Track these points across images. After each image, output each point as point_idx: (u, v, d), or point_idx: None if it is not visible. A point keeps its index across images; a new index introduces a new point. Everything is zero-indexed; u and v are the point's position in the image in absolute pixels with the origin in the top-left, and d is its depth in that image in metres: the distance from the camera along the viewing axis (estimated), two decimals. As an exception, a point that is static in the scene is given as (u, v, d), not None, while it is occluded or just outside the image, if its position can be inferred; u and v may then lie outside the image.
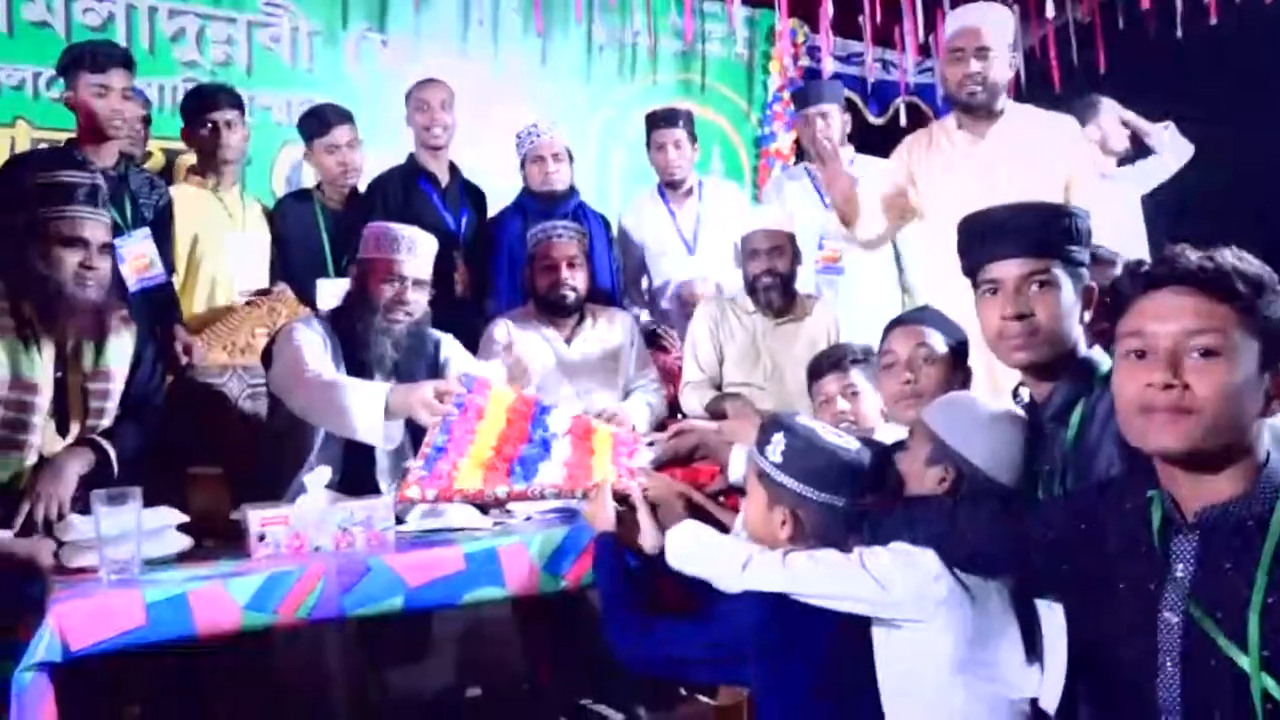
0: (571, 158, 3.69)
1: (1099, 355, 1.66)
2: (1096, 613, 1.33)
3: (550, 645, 2.72)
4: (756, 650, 1.58)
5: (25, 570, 1.83)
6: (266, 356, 2.67)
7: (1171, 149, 4.22)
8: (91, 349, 2.38)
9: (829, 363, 2.53)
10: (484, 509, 2.15)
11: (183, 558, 1.99)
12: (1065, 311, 1.63)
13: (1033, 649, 1.57)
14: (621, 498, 1.94)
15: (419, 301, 2.64)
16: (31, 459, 2.23)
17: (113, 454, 2.27)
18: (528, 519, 2.23)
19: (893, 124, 5.72)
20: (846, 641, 1.58)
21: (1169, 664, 1.23)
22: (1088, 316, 1.68)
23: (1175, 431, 1.21)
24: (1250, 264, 1.25)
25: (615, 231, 3.87)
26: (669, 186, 3.88)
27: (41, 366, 2.25)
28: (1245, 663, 1.15)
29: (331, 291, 3.38)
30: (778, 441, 1.65)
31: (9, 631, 1.63)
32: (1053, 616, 1.57)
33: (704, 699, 2.35)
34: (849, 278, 3.76)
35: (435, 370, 2.73)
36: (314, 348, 2.59)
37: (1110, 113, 4.14)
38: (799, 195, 3.90)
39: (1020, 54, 3.03)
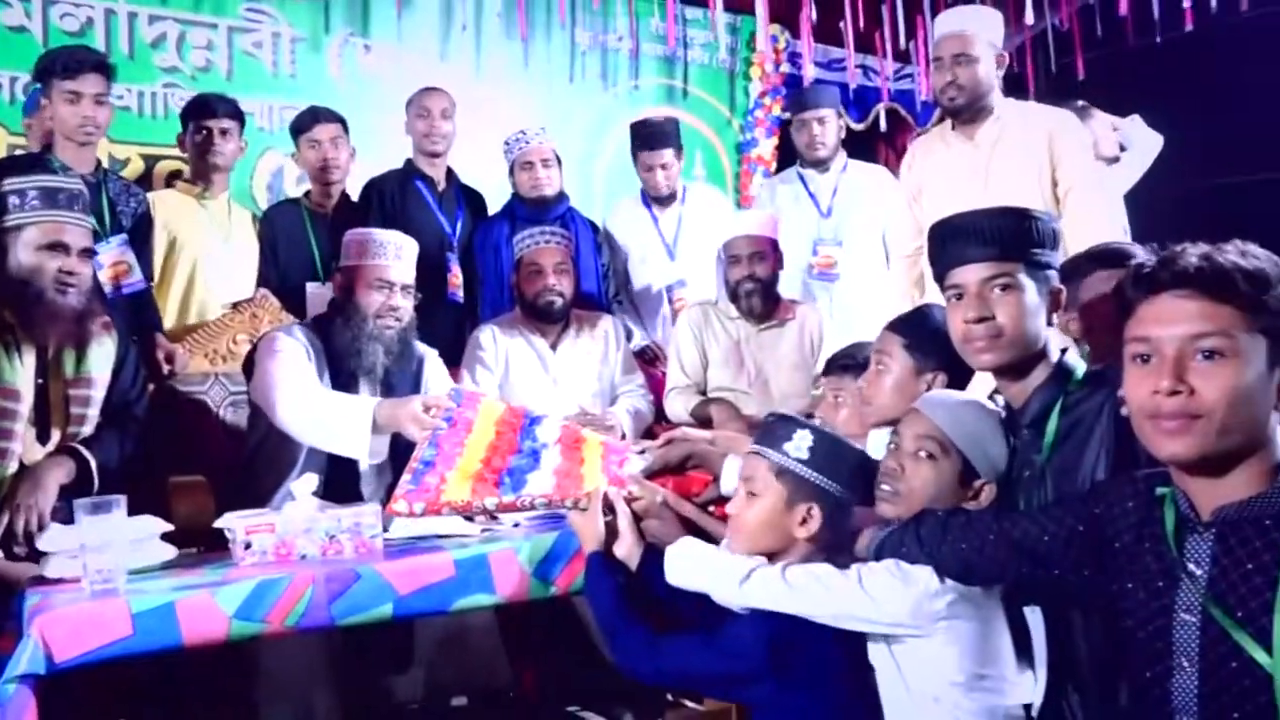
0: (560, 163, 3.69)
1: (1075, 359, 1.67)
2: (1106, 615, 1.32)
3: (536, 652, 2.70)
4: (771, 668, 1.57)
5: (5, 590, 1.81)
6: (248, 365, 2.65)
7: (1142, 141, 4.25)
8: (73, 356, 2.37)
9: (844, 362, 2.48)
10: (471, 519, 2.14)
11: (167, 567, 1.97)
12: (1029, 313, 1.63)
13: (1024, 655, 1.58)
14: (608, 506, 1.93)
15: (407, 307, 2.63)
16: (12, 466, 2.21)
17: (94, 463, 2.25)
18: (515, 525, 2.22)
19: (873, 130, 5.76)
20: (856, 658, 1.59)
21: (1185, 664, 1.22)
22: (1055, 319, 1.69)
23: (1184, 438, 1.19)
24: (1254, 259, 1.22)
25: (602, 236, 3.87)
26: (654, 198, 3.89)
27: (22, 373, 2.23)
28: (1268, 663, 1.14)
29: (321, 296, 3.37)
30: (802, 437, 1.64)
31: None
32: (1037, 621, 1.58)
33: (691, 704, 2.34)
34: (842, 283, 3.78)
35: (418, 385, 2.72)
36: (297, 357, 2.57)
37: (1101, 119, 4.16)
38: (791, 200, 3.91)
39: (1007, 53, 3.04)
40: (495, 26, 4.73)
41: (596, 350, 3.34)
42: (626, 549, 1.86)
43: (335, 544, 1.99)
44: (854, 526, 1.67)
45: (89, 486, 2.21)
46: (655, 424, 3.28)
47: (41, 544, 1.95)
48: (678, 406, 3.29)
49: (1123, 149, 4.22)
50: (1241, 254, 1.22)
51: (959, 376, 1.92)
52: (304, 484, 2.07)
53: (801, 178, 3.92)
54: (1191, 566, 1.24)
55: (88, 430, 2.37)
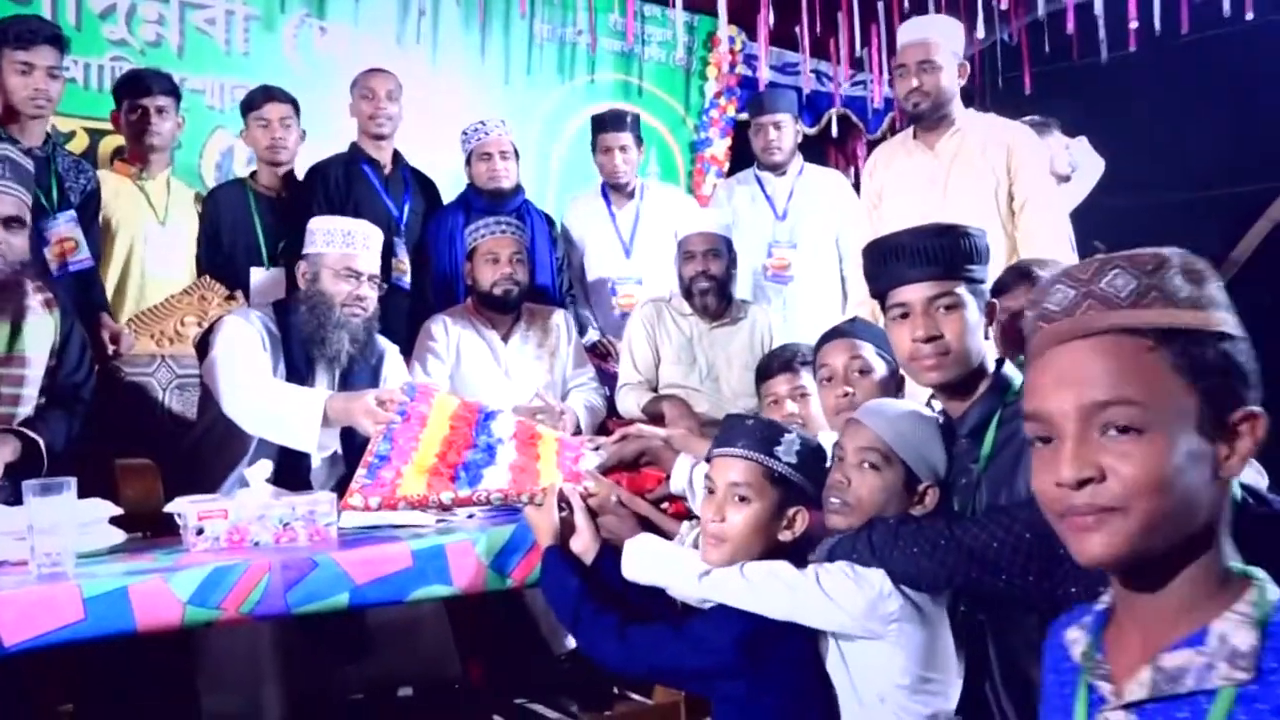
0: (518, 156, 3.68)
1: (1012, 370, 1.72)
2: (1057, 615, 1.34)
3: (484, 644, 2.71)
4: (743, 665, 1.59)
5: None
6: (202, 345, 2.61)
7: (1088, 163, 4.37)
8: (5, 332, 2.29)
9: (779, 363, 2.56)
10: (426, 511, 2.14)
11: (114, 551, 1.94)
12: (970, 330, 1.68)
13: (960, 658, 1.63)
14: (563, 502, 1.94)
15: (372, 297, 2.63)
16: None
17: (42, 443, 2.20)
18: (470, 516, 2.22)
19: (824, 134, 5.84)
20: (820, 658, 1.62)
21: None
22: (992, 332, 1.74)
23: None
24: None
25: (558, 230, 3.87)
26: (612, 188, 3.90)
27: None
28: None
29: (267, 281, 3.32)
30: (790, 442, 1.66)
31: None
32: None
33: (639, 698, 2.37)
34: (795, 285, 3.82)
35: (376, 379, 2.71)
36: (250, 344, 2.54)
37: (1058, 136, 4.25)
38: (748, 201, 3.94)
39: (968, 63, 3.11)
40: (453, 14, 4.71)
41: (548, 343, 3.34)
42: (584, 544, 1.88)
43: (289, 531, 1.97)
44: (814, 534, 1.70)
45: (37, 467, 2.15)
46: (607, 419, 3.29)
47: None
48: (629, 402, 3.30)
49: (1071, 168, 4.34)
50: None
51: None
52: (258, 470, 2.05)
53: (758, 179, 3.96)
54: None
55: (24, 411, 2.30)
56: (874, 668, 1.57)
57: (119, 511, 1.97)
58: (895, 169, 3.14)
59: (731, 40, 5.43)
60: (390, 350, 2.82)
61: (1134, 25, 4.53)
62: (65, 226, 2.91)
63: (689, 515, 1.96)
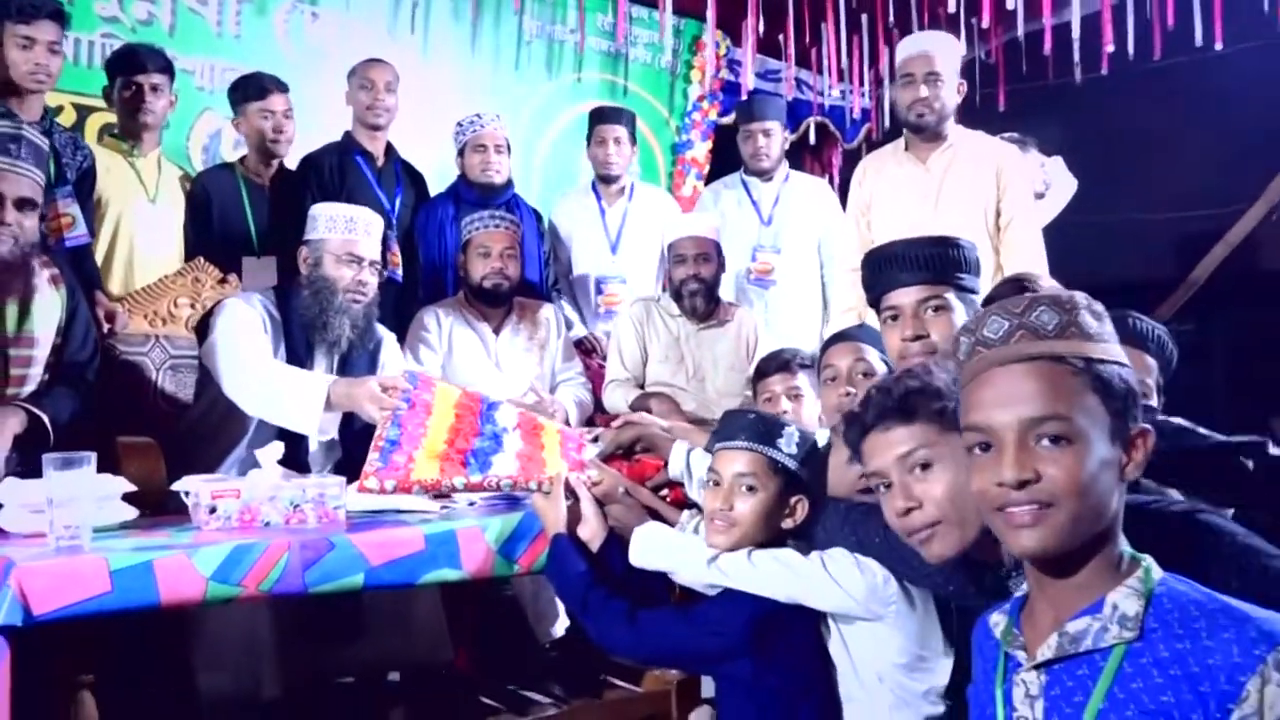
0: (510, 150, 3.71)
1: None
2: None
3: (475, 629, 2.75)
4: (751, 648, 1.66)
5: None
6: (201, 328, 2.63)
7: (1062, 181, 4.48)
8: (14, 312, 2.29)
9: (777, 364, 2.63)
10: (439, 497, 2.18)
11: (125, 527, 1.96)
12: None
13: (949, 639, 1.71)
14: (569, 491, 2.00)
15: (373, 284, 2.66)
16: None
17: (47, 419, 2.20)
18: (471, 504, 2.27)
19: (801, 141, 5.93)
20: (824, 642, 1.69)
21: None
22: None
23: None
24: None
25: (546, 225, 3.91)
26: (603, 181, 3.94)
27: None
28: None
29: (259, 269, 3.33)
30: (791, 435, 1.74)
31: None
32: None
33: (629, 686, 2.42)
34: (778, 289, 3.90)
35: (373, 366, 2.74)
36: (252, 327, 2.57)
37: (1034, 155, 4.35)
38: (734, 205, 4.01)
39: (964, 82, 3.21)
40: (445, 6, 4.72)
41: (538, 336, 3.38)
42: (591, 531, 1.94)
43: (299, 513, 2.00)
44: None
45: (41, 443, 2.16)
46: (594, 414, 3.35)
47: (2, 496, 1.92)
48: (617, 399, 3.36)
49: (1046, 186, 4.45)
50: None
51: None
52: (270, 451, 2.08)
53: (745, 184, 4.03)
54: None
55: (29, 389, 2.30)
56: (873, 648, 1.65)
57: (133, 488, 1.99)
58: (886, 179, 3.22)
59: (716, 45, 5.51)
60: (388, 338, 2.85)
61: (1109, 49, 4.66)
62: (62, 202, 2.90)
63: (687, 503, 2.03)
